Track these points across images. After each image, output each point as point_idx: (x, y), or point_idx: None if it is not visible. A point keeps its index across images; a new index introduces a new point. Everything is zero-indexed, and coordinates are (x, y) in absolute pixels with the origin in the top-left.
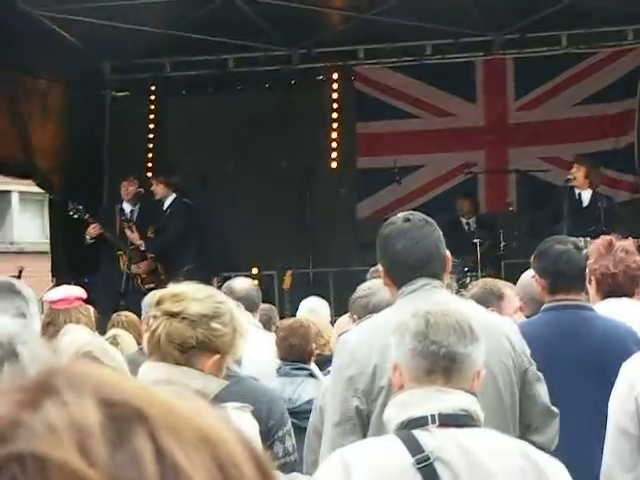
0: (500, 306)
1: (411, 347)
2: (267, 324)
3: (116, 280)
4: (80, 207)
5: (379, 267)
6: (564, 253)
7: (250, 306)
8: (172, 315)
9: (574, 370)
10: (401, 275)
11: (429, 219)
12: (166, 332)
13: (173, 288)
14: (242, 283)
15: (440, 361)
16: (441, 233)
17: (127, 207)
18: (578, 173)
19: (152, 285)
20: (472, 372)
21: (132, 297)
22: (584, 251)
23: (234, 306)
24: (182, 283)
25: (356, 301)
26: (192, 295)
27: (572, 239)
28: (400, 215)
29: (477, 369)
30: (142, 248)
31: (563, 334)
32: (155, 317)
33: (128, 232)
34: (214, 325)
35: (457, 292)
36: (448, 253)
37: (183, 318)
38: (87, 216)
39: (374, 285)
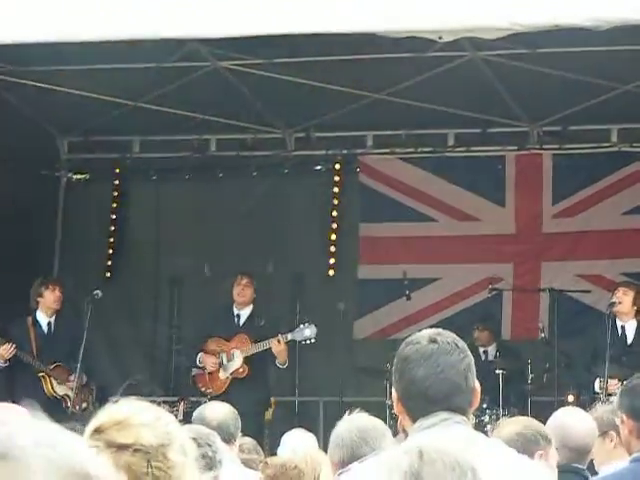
0: (549, 452)
1: None
2: (248, 462)
3: (43, 409)
4: None
5: (393, 393)
6: None
7: (226, 437)
8: (120, 447)
9: None
10: (418, 406)
11: (460, 342)
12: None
13: (113, 412)
14: (216, 409)
15: None
16: (472, 361)
17: (43, 319)
18: (625, 298)
19: (84, 405)
20: None
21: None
22: None
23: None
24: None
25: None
26: (140, 420)
27: None
28: (425, 333)
29: None
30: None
31: None
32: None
33: None
34: (171, 456)
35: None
36: (478, 385)
37: (135, 450)
38: None
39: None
